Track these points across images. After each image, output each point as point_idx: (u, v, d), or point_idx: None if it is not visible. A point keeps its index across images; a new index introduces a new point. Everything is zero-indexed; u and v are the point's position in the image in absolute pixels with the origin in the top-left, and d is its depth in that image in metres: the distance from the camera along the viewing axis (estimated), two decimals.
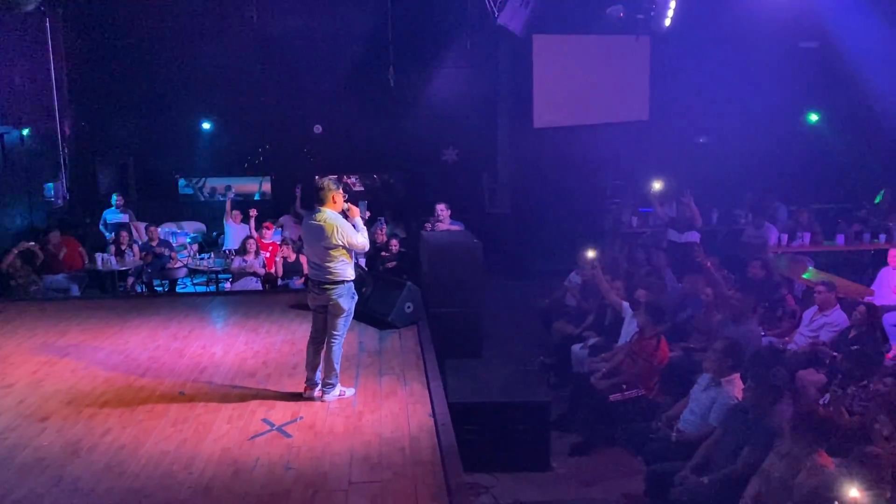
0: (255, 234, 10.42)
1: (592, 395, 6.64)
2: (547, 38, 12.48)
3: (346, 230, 5.56)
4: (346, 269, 5.61)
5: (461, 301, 7.74)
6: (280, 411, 5.52)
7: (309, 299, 5.80)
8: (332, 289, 5.57)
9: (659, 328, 6.74)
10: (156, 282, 10.90)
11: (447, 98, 13.28)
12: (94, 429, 5.22)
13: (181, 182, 13.78)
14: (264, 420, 5.35)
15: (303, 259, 9.54)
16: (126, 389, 6.00)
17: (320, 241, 5.52)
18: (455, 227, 9.45)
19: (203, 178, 13.86)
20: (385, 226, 10.94)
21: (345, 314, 5.66)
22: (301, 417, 5.39)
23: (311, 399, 5.74)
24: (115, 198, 11.61)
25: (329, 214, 5.57)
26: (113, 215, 11.54)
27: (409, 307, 7.69)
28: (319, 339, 5.77)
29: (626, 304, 7.49)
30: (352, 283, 5.70)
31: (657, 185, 10.67)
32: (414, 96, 13.16)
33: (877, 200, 12.03)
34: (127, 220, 11.45)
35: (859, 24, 10.99)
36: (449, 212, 9.50)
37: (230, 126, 13.52)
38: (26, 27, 11.59)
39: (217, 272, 10.65)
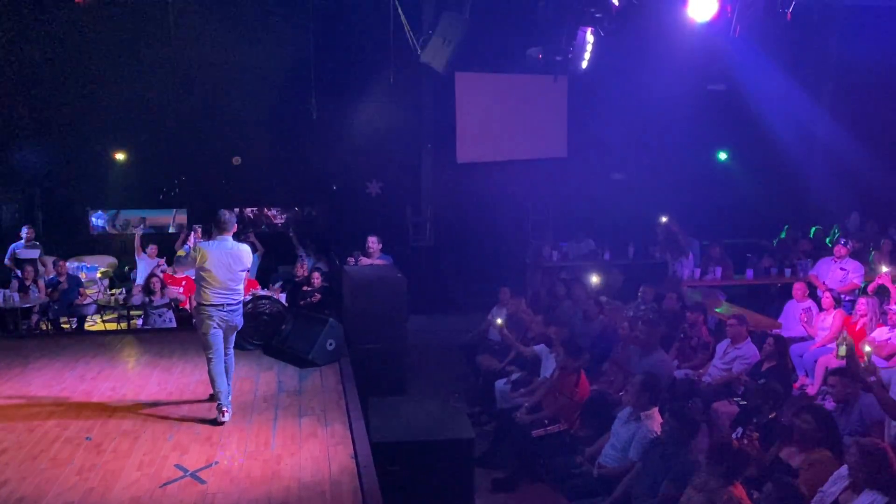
0: (166, 268, 10.09)
1: (516, 431, 6.66)
2: (469, 76, 12.73)
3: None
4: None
5: (384, 337, 7.68)
6: (194, 456, 5.28)
7: (215, 322, 5.97)
8: (238, 308, 6.09)
9: (578, 363, 6.84)
10: (62, 319, 10.38)
11: (371, 131, 13.29)
12: None
13: (94, 214, 13.27)
14: (177, 466, 5.11)
15: None
16: (27, 436, 5.62)
17: (238, 265, 6.00)
18: (382, 262, 9.38)
19: (116, 210, 13.37)
20: (306, 260, 10.79)
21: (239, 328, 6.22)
22: (216, 462, 5.18)
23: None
24: (25, 230, 10.94)
25: (236, 242, 6.09)
26: (22, 250, 10.85)
27: (330, 344, 7.54)
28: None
29: (538, 346, 7.59)
30: None
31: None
32: (337, 129, 13.11)
33: (781, 236, 12.67)
34: (38, 255, 10.82)
35: (760, 71, 11.70)
36: (380, 245, 9.43)
37: (145, 157, 13.13)
38: None
39: (129, 308, 10.24)
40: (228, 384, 6.10)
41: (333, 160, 13.28)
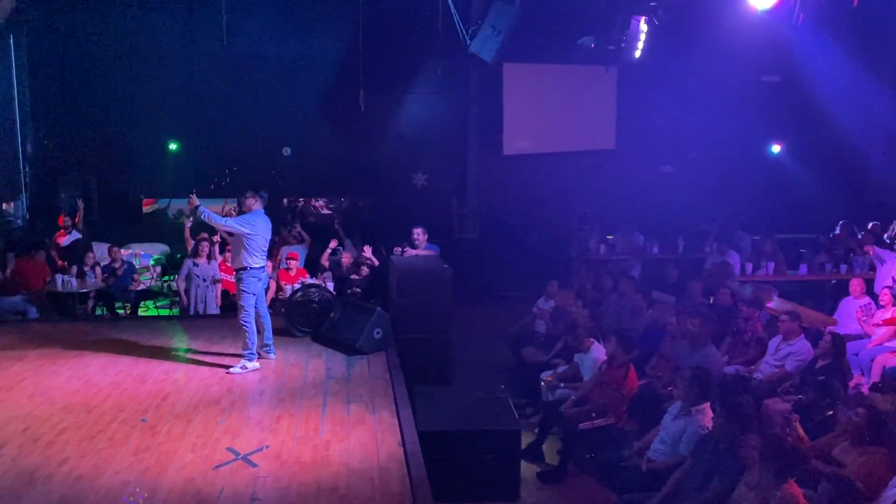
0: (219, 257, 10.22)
1: (562, 424, 6.62)
2: (517, 67, 12.65)
3: None
4: None
5: (430, 327, 7.71)
6: (245, 440, 5.38)
7: (260, 282, 7.01)
8: (265, 269, 7.12)
9: (628, 356, 6.75)
10: (117, 304, 10.65)
11: (417, 123, 13.32)
12: (51, 458, 5.03)
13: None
14: (229, 449, 5.21)
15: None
16: (85, 416, 5.80)
17: (270, 235, 7.09)
18: (428, 252, 9.39)
19: (168, 199, 13.67)
20: (350, 250, 10.77)
21: None
22: (267, 446, 5.26)
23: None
24: (60, 219, 11.20)
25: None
26: (62, 238, 11.13)
27: (378, 332, 7.61)
28: None
29: (576, 356, 7.49)
30: None
31: None
32: (384, 121, 13.18)
33: (836, 232, 12.31)
34: (79, 238, 11.06)
35: (821, 58, 11.33)
36: (426, 236, 9.46)
37: (197, 146, 13.37)
38: None
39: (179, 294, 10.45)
40: (269, 335, 7.20)
41: (380, 152, 13.35)
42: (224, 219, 6.90)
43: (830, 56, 11.25)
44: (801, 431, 5.11)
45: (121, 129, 12.94)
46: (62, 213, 11.38)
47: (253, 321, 6.93)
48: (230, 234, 7.15)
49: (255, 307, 7.02)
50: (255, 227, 6.84)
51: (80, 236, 11.09)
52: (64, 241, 11.05)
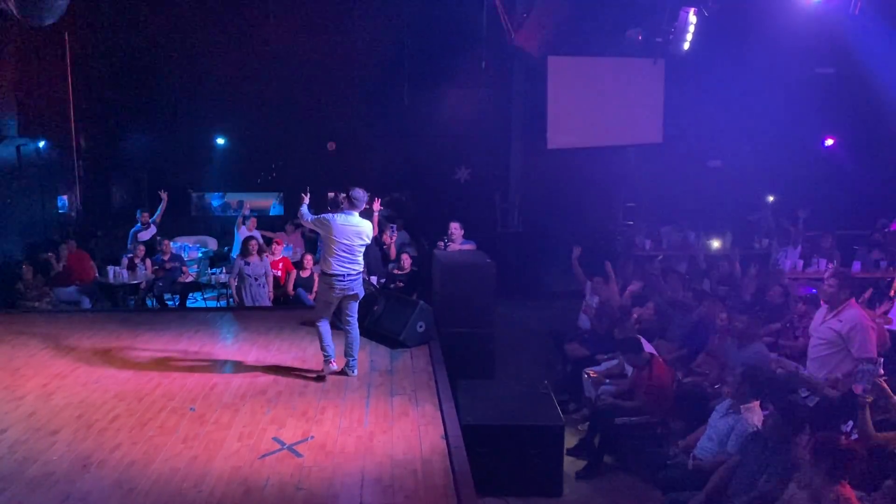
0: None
1: (606, 421, 6.55)
2: (562, 60, 12.51)
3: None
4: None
5: (473, 321, 7.71)
6: (291, 430, 5.45)
7: (336, 290, 6.45)
8: (358, 278, 6.52)
9: (641, 358, 6.63)
10: (166, 296, 10.88)
11: (461, 117, 13.30)
12: (105, 444, 5.17)
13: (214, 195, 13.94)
14: (275, 439, 5.29)
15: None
16: (136, 404, 5.95)
17: (358, 239, 6.42)
18: (467, 247, 9.40)
19: (217, 193, 13.92)
20: (395, 232, 10.75)
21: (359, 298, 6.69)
22: (312, 437, 5.32)
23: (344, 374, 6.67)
24: (140, 213, 11.43)
25: (362, 219, 6.54)
26: (142, 232, 11.36)
27: (421, 326, 7.63)
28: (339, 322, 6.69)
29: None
30: None
31: (716, 244, 10.86)
32: (428, 115, 13.19)
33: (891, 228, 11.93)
34: (155, 233, 11.34)
35: (879, 48, 10.91)
36: (462, 231, 9.47)
37: (244, 142, 13.58)
38: (46, 41, 11.68)
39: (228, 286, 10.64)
40: (350, 349, 6.65)
41: (424, 146, 13.36)
42: (309, 215, 6.67)
43: (890, 46, 10.83)
44: (870, 423, 4.95)
45: (170, 125, 13.22)
46: (142, 209, 11.57)
47: (324, 327, 6.59)
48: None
49: (348, 315, 6.64)
50: (328, 227, 6.38)
51: (155, 231, 11.35)
52: (143, 236, 11.27)
